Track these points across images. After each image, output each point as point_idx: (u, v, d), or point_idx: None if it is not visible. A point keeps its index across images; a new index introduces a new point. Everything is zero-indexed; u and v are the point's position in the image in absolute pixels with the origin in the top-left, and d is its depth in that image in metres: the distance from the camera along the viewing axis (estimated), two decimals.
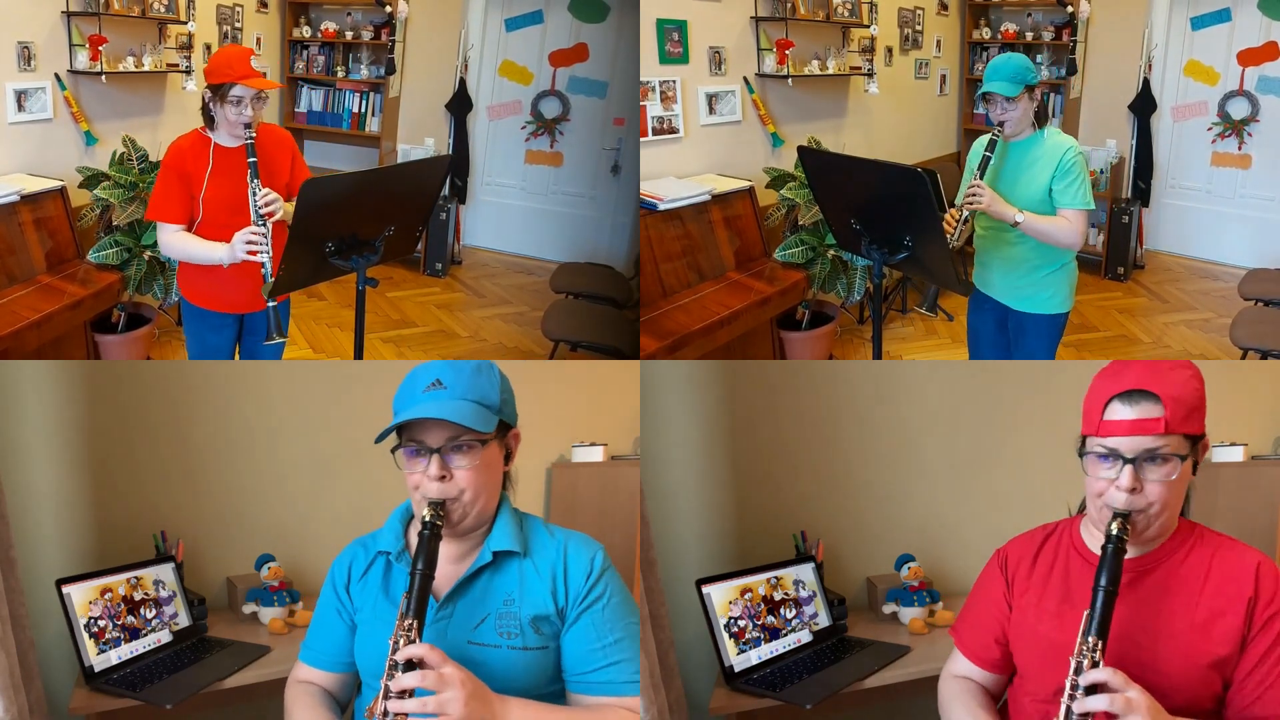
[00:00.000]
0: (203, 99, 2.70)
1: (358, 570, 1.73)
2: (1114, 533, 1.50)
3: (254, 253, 2.59)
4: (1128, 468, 1.50)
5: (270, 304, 2.63)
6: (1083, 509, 1.70)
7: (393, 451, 1.62)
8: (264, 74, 2.66)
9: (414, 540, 1.68)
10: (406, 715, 1.42)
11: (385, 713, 1.41)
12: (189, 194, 2.70)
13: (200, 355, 2.94)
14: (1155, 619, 1.57)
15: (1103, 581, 1.47)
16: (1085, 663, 1.44)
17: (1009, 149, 2.83)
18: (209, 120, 2.71)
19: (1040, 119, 2.80)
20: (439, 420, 1.56)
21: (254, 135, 2.63)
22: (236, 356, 2.99)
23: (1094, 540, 1.64)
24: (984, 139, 2.83)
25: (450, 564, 1.66)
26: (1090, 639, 1.45)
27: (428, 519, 1.55)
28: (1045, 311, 2.90)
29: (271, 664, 2.53)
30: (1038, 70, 2.86)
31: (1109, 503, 1.52)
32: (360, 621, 1.71)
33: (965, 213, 2.77)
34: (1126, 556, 1.55)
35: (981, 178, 2.78)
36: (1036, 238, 2.76)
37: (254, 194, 2.61)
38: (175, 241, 2.72)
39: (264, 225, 2.60)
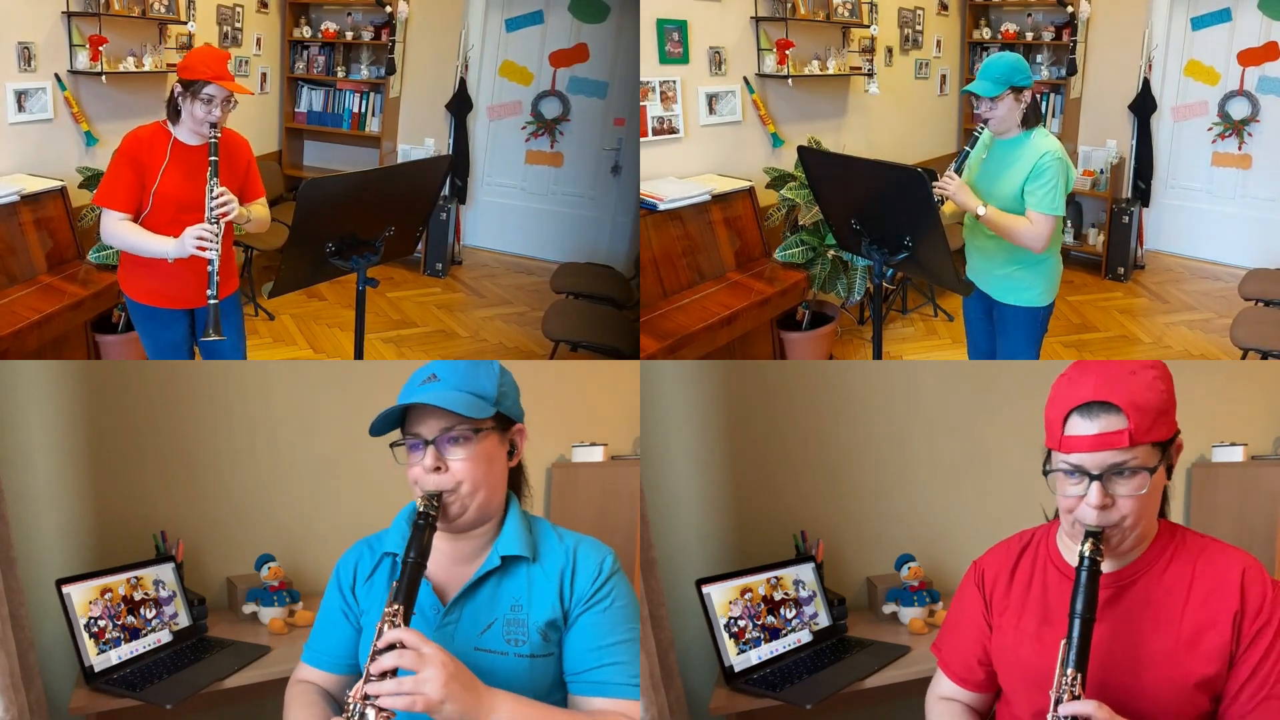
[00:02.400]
0: (171, 92, 2.70)
1: (364, 571, 1.71)
2: (1087, 554, 1.42)
3: (203, 249, 2.58)
4: (1095, 484, 1.42)
5: (211, 301, 2.61)
6: (1059, 514, 1.64)
7: (392, 447, 1.62)
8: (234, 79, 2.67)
9: None
10: (385, 696, 1.39)
11: (365, 696, 1.39)
12: (140, 184, 2.69)
13: (158, 354, 2.93)
14: (1137, 638, 1.49)
15: (1079, 609, 1.40)
16: (1065, 696, 1.37)
17: (996, 146, 2.89)
18: (173, 114, 2.71)
19: (1029, 120, 2.82)
20: (433, 410, 1.55)
21: (218, 135, 2.63)
22: (196, 354, 2.98)
23: (1070, 552, 1.57)
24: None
25: (457, 566, 1.63)
26: (1069, 671, 1.38)
27: (422, 508, 1.53)
28: (1023, 304, 2.94)
29: (271, 664, 2.53)
30: (1034, 71, 2.86)
31: (1080, 519, 1.45)
32: (366, 624, 1.68)
33: (936, 196, 2.78)
34: (1104, 571, 1.48)
35: (959, 170, 2.84)
36: (995, 232, 2.81)
37: (211, 192, 2.61)
38: (120, 230, 2.70)
39: (216, 225, 2.60)
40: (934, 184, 2.79)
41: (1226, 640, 1.45)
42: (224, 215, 2.61)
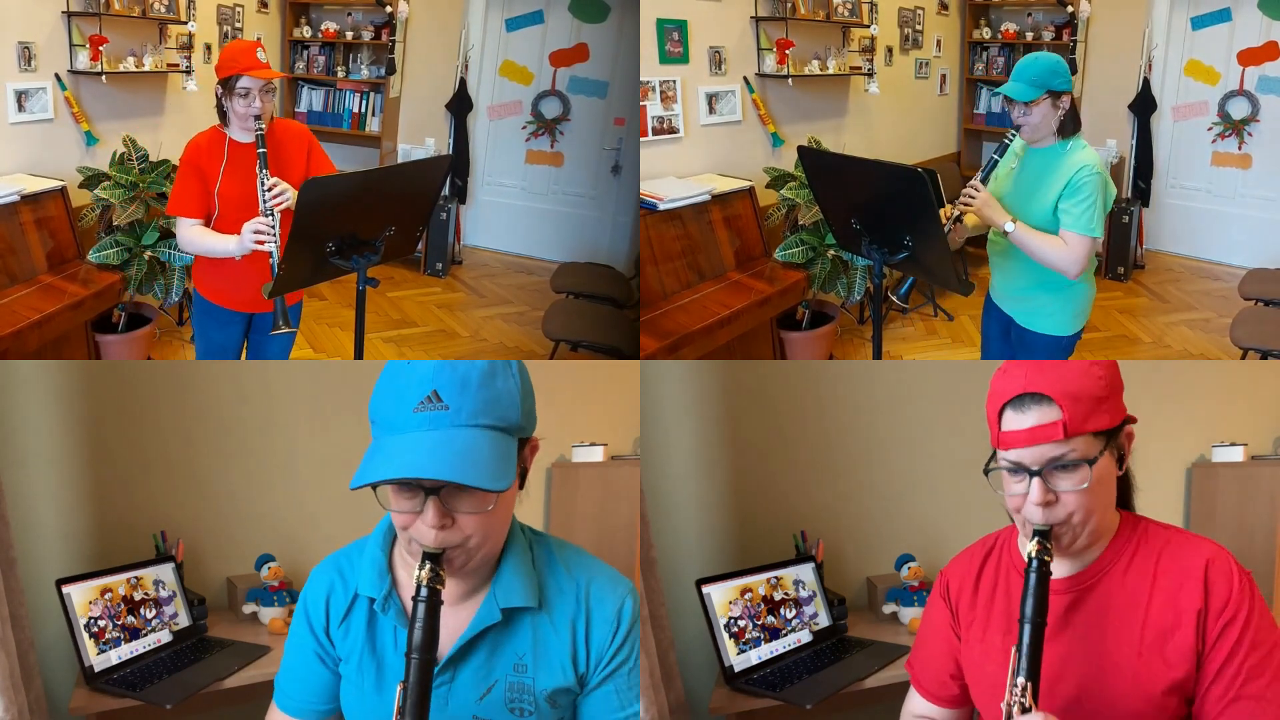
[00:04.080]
0: (216, 95, 2.72)
1: (336, 611, 1.48)
2: (1034, 555, 1.35)
3: (261, 242, 2.60)
4: (1035, 480, 1.37)
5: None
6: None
7: (374, 488, 1.27)
8: (269, 65, 2.67)
9: (401, 576, 1.44)
10: None
11: None
12: (205, 190, 2.72)
13: (206, 352, 2.94)
14: (1100, 646, 1.41)
15: (1028, 613, 1.33)
16: (1015, 709, 1.29)
17: (1029, 155, 2.62)
18: (223, 117, 2.73)
19: (1067, 129, 2.53)
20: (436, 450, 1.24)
21: (264, 127, 2.64)
22: (244, 355, 2.98)
23: None
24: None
25: (448, 606, 1.36)
26: (1019, 680, 1.30)
27: (425, 581, 1.24)
28: (1046, 331, 2.69)
29: (271, 664, 2.53)
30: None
31: (1027, 518, 1.40)
32: (345, 673, 1.48)
33: (956, 212, 2.58)
34: (1062, 575, 1.43)
35: (986, 180, 2.62)
36: (1025, 252, 2.54)
37: (262, 184, 2.62)
38: (191, 235, 2.74)
39: (272, 216, 2.61)
40: (961, 197, 2.57)
41: (1192, 641, 1.37)
42: (278, 205, 2.62)
